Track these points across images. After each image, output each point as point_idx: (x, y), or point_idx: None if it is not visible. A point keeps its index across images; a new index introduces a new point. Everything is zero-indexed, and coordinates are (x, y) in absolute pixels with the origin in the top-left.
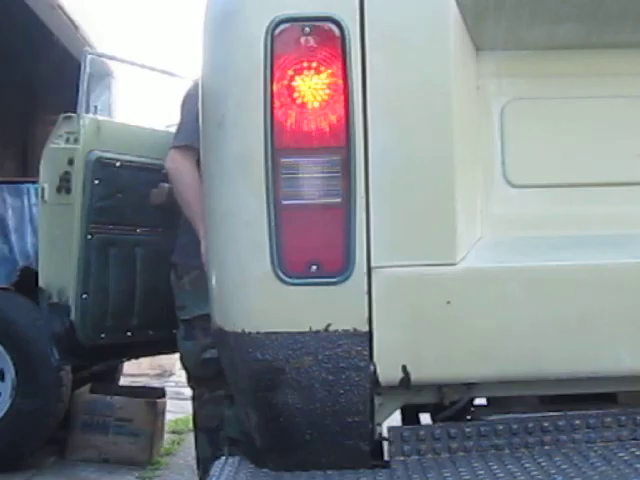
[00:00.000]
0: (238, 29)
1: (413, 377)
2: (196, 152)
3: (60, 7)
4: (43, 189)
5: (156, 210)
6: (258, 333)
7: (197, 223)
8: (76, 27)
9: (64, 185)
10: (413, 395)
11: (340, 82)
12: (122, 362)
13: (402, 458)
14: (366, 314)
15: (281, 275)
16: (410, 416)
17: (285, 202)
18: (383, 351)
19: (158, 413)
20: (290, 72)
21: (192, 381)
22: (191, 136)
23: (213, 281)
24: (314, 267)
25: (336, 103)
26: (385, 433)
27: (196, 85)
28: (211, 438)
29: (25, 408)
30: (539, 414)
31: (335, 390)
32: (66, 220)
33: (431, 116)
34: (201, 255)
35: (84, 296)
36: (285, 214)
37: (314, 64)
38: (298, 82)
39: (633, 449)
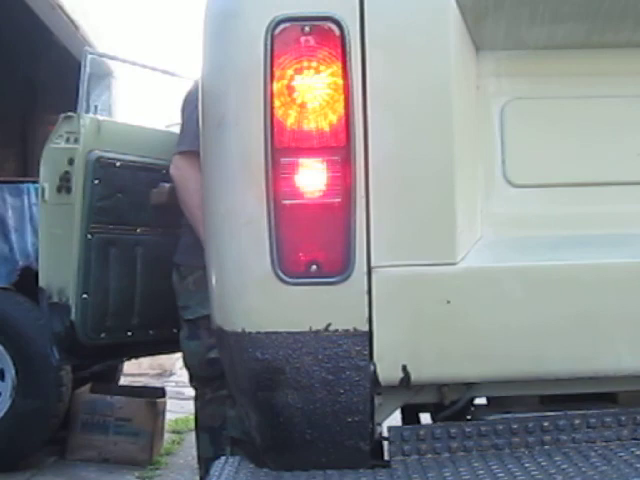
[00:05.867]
0: (238, 29)
1: (413, 377)
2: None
3: (60, 7)
4: (43, 189)
5: (156, 210)
6: (258, 333)
7: (201, 230)
8: (76, 27)
9: (64, 185)
10: (413, 395)
11: (340, 82)
12: (122, 362)
13: (402, 458)
14: (366, 314)
15: (281, 275)
16: (410, 416)
17: (285, 202)
18: (383, 351)
19: (158, 413)
20: (290, 72)
21: (195, 381)
22: (195, 141)
23: (213, 281)
24: (314, 267)
25: (336, 103)
26: (385, 433)
27: (196, 86)
28: (213, 438)
29: (25, 408)
30: (539, 414)
31: (335, 390)
32: (66, 220)
33: (431, 116)
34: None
35: (84, 296)
36: (285, 214)
37: (314, 64)
38: (298, 82)
39: (633, 449)
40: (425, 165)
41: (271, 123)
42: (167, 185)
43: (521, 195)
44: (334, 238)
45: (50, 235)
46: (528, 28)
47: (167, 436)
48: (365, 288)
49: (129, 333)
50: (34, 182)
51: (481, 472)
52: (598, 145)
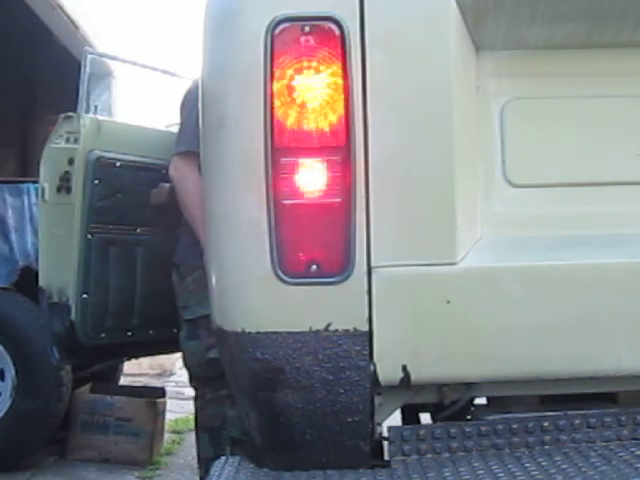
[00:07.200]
0: (238, 29)
1: (413, 377)
2: (199, 157)
3: (60, 7)
4: (43, 189)
5: (156, 210)
6: (258, 333)
7: (200, 230)
8: (76, 27)
9: (64, 185)
10: (413, 395)
11: (340, 82)
12: (122, 362)
13: (402, 458)
14: (366, 314)
15: (281, 275)
16: (410, 416)
17: (285, 202)
18: (383, 351)
19: (158, 413)
20: (290, 72)
21: (195, 381)
22: (193, 141)
23: (213, 281)
24: (314, 267)
25: (336, 103)
26: (385, 433)
27: (195, 86)
28: (213, 438)
29: (25, 408)
30: (539, 414)
31: (335, 390)
32: (66, 220)
33: (431, 116)
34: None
35: (84, 296)
36: (285, 214)
37: (314, 63)
38: (298, 82)
39: (633, 449)
40: (425, 165)
41: (271, 123)
42: (167, 185)
43: (521, 195)
44: (334, 238)
45: (50, 235)
46: (528, 28)
47: (167, 436)
48: (365, 288)
49: (129, 333)
50: (34, 182)
51: (481, 472)
52: (598, 145)
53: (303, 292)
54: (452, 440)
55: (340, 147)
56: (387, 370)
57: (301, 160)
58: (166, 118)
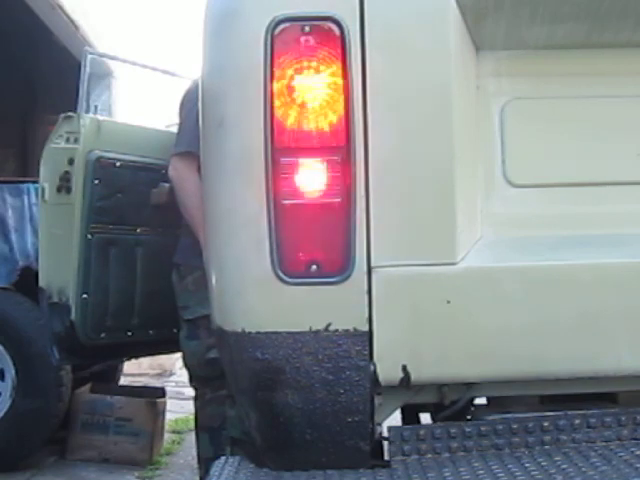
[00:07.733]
0: (238, 29)
1: (413, 377)
2: (197, 158)
3: (60, 7)
4: (43, 189)
5: (156, 210)
6: (258, 333)
7: (199, 230)
8: (76, 27)
9: (64, 185)
10: (413, 395)
11: (340, 81)
12: (122, 362)
13: (402, 458)
14: (366, 314)
15: (281, 275)
16: (410, 416)
17: (285, 202)
18: (383, 351)
19: (158, 413)
20: (290, 72)
21: (194, 381)
22: (192, 142)
23: (213, 281)
24: (314, 267)
25: (336, 103)
26: (385, 433)
27: (194, 86)
28: (213, 438)
29: (25, 408)
30: (539, 414)
31: (335, 390)
32: (66, 220)
33: (431, 116)
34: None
35: (84, 296)
36: (285, 214)
37: (314, 63)
38: (298, 82)
39: (633, 449)
40: (425, 165)
41: (271, 123)
42: (167, 185)
43: (521, 195)
44: (334, 238)
45: (50, 235)
46: (528, 28)
47: (167, 436)
48: (365, 288)
49: (129, 333)
50: (34, 182)
51: (481, 472)
52: (598, 145)
53: (303, 292)
54: (452, 440)
55: (340, 147)
56: (387, 370)
57: (301, 160)
58: (166, 118)
